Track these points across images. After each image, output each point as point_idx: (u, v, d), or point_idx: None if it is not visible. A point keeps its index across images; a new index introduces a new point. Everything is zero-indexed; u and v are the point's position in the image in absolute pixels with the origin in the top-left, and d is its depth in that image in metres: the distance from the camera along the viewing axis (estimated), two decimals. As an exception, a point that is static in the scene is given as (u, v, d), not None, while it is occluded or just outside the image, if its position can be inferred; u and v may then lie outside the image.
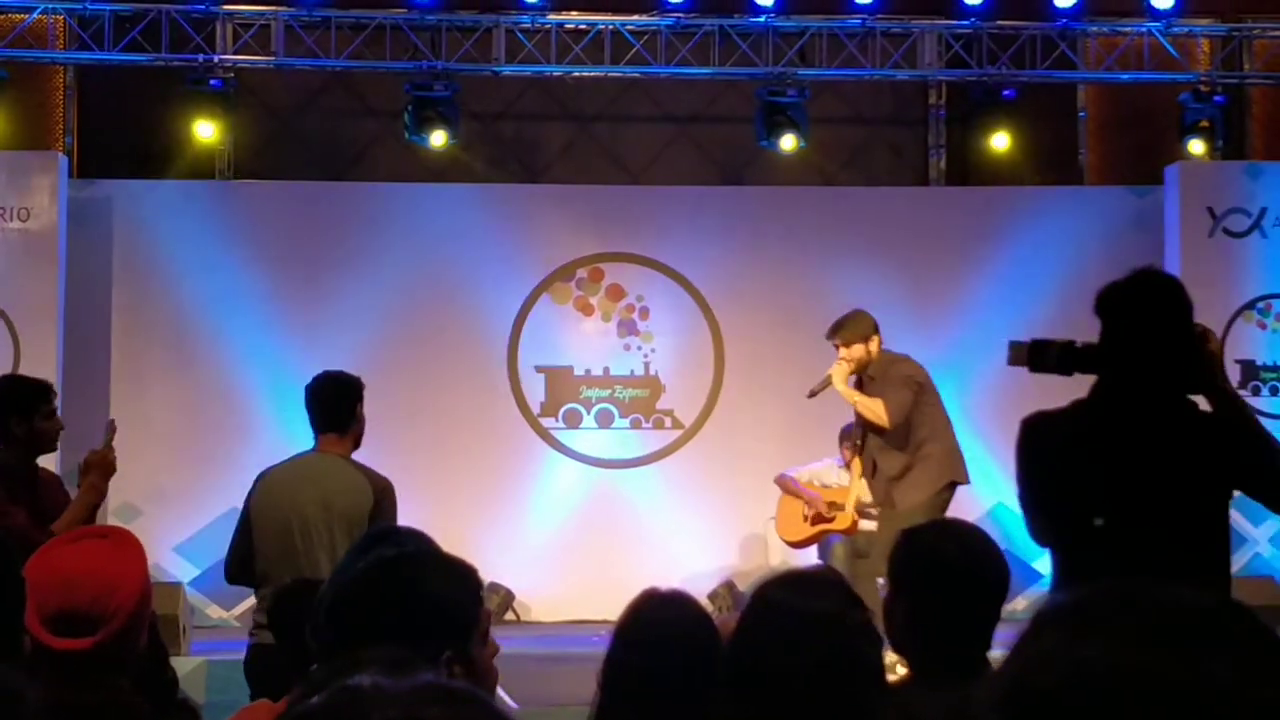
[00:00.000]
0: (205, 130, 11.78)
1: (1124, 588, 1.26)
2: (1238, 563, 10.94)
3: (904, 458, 8.56)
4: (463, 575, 3.04)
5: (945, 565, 3.43)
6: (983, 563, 3.51)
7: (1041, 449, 4.16)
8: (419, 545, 3.24)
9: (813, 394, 8.82)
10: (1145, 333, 4.11)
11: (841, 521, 9.56)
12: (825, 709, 2.76)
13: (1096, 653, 1.20)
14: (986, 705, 1.24)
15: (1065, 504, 4.07)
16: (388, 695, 1.28)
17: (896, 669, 3.32)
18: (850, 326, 8.62)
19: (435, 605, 2.95)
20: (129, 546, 3.10)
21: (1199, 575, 3.84)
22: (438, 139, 11.86)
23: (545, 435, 12.22)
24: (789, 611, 2.85)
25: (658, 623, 3.18)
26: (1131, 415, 4.11)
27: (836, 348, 8.61)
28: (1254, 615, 1.26)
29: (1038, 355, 4.28)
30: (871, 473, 8.63)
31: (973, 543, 3.60)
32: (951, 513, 8.67)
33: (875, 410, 8.52)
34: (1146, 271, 4.25)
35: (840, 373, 8.56)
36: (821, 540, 9.91)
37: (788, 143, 11.94)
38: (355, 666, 1.40)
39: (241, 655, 6.06)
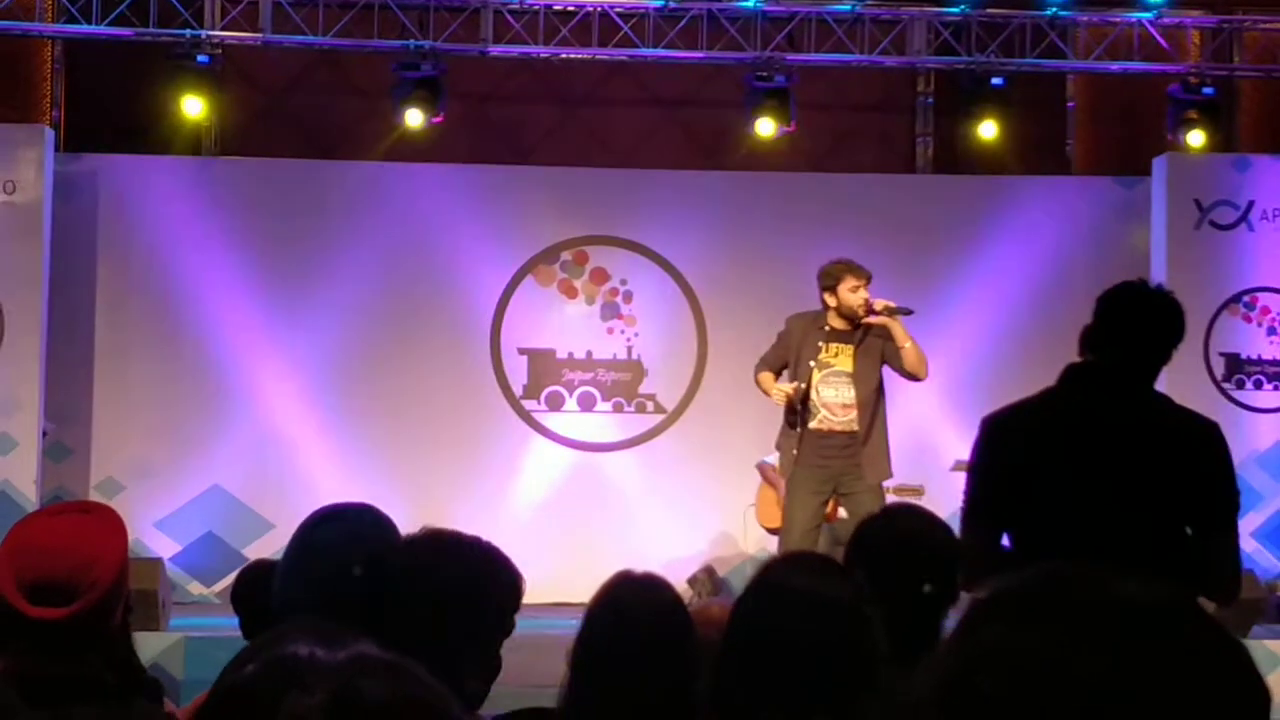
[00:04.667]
0: (193, 106, 11.74)
1: (1063, 576, 1.23)
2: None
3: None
4: (501, 564, 3.06)
5: (889, 551, 3.54)
6: (929, 544, 3.62)
7: (1006, 445, 4.14)
8: (376, 520, 3.24)
9: (895, 312, 8.61)
10: (1139, 349, 4.12)
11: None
12: (822, 690, 2.77)
13: (1035, 648, 1.17)
14: (924, 699, 1.21)
15: (1028, 504, 4.04)
16: (322, 665, 1.27)
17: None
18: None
19: (479, 593, 2.97)
20: (110, 521, 3.11)
21: (1168, 575, 3.83)
22: (424, 118, 11.83)
23: (527, 417, 12.22)
24: (794, 593, 2.86)
25: (629, 605, 3.18)
26: (1104, 410, 4.10)
27: (868, 284, 8.59)
28: (1197, 606, 1.23)
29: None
30: (865, 438, 8.56)
31: (918, 525, 3.71)
32: (932, 505, 8.68)
33: (923, 355, 8.57)
34: (1155, 290, 4.24)
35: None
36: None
37: (775, 128, 11.93)
38: (289, 637, 1.39)
39: (221, 631, 6.05)
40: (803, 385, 8.51)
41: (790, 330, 8.76)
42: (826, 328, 8.61)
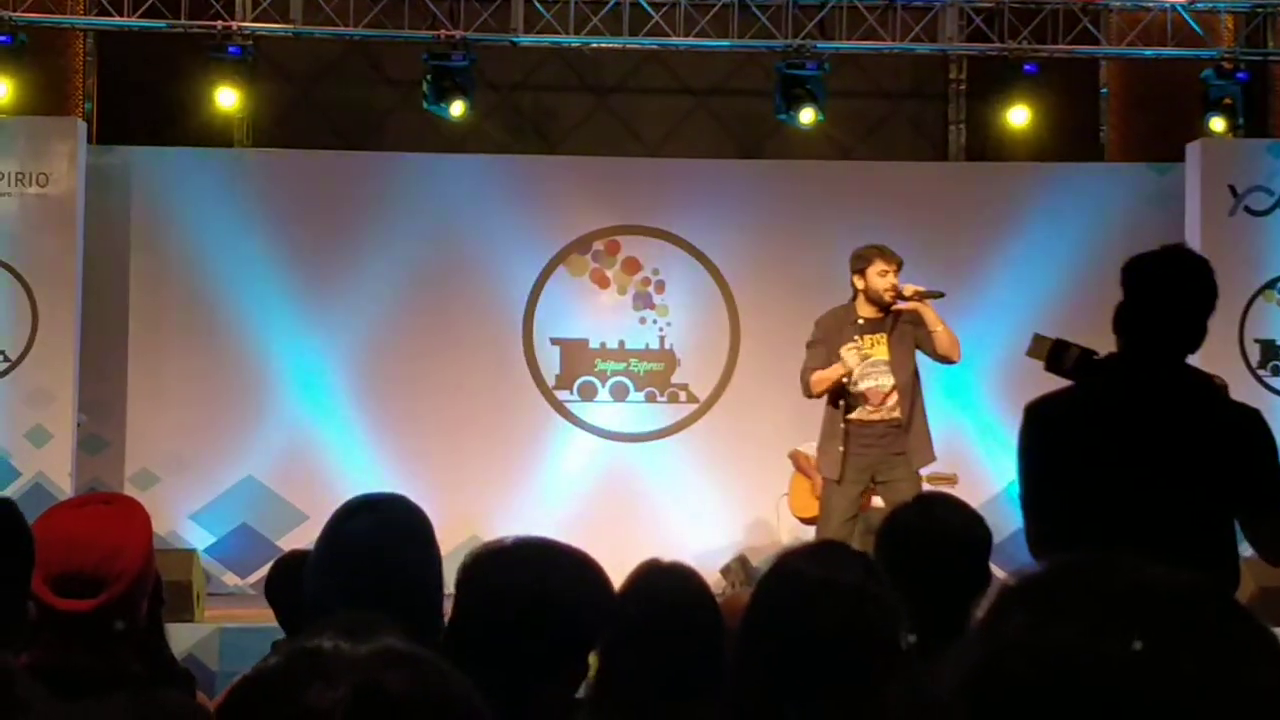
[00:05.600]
0: (227, 98, 11.74)
1: (1090, 564, 1.22)
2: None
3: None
4: (596, 574, 3.03)
5: (920, 541, 3.54)
6: (956, 534, 3.61)
7: (1047, 436, 4.12)
8: (408, 511, 3.24)
9: (925, 296, 8.64)
10: (1169, 309, 4.09)
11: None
12: (839, 677, 2.76)
13: (1062, 638, 1.16)
14: (951, 688, 1.20)
15: (1071, 494, 4.03)
16: (346, 658, 1.27)
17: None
18: None
19: (575, 607, 2.95)
20: (134, 513, 3.12)
21: (1207, 562, 3.82)
22: (455, 109, 11.82)
23: (560, 408, 12.22)
24: (808, 580, 2.86)
25: (657, 594, 3.18)
26: (1146, 397, 4.07)
27: (899, 269, 8.60)
28: (1227, 594, 1.22)
29: (1056, 356, 4.24)
30: (909, 424, 8.60)
31: (945, 514, 3.70)
32: (965, 493, 8.68)
33: (956, 338, 8.61)
34: (1179, 248, 4.22)
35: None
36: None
37: (806, 116, 11.88)
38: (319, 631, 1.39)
39: (256, 623, 6.08)
40: (853, 364, 8.53)
41: (822, 331, 8.79)
42: (858, 320, 8.65)
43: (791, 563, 2.95)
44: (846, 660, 2.77)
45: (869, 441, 8.60)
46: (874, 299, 8.61)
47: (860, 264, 8.67)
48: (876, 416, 8.61)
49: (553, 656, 2.89)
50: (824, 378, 8.61)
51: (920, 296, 8.59)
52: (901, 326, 8.63)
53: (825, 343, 8.70)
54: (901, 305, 8.60)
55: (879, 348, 8.61)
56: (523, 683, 2.81)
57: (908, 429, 8.59)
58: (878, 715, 2.65)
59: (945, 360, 8.72)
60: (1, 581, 2.81)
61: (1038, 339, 4.38)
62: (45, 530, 2.95)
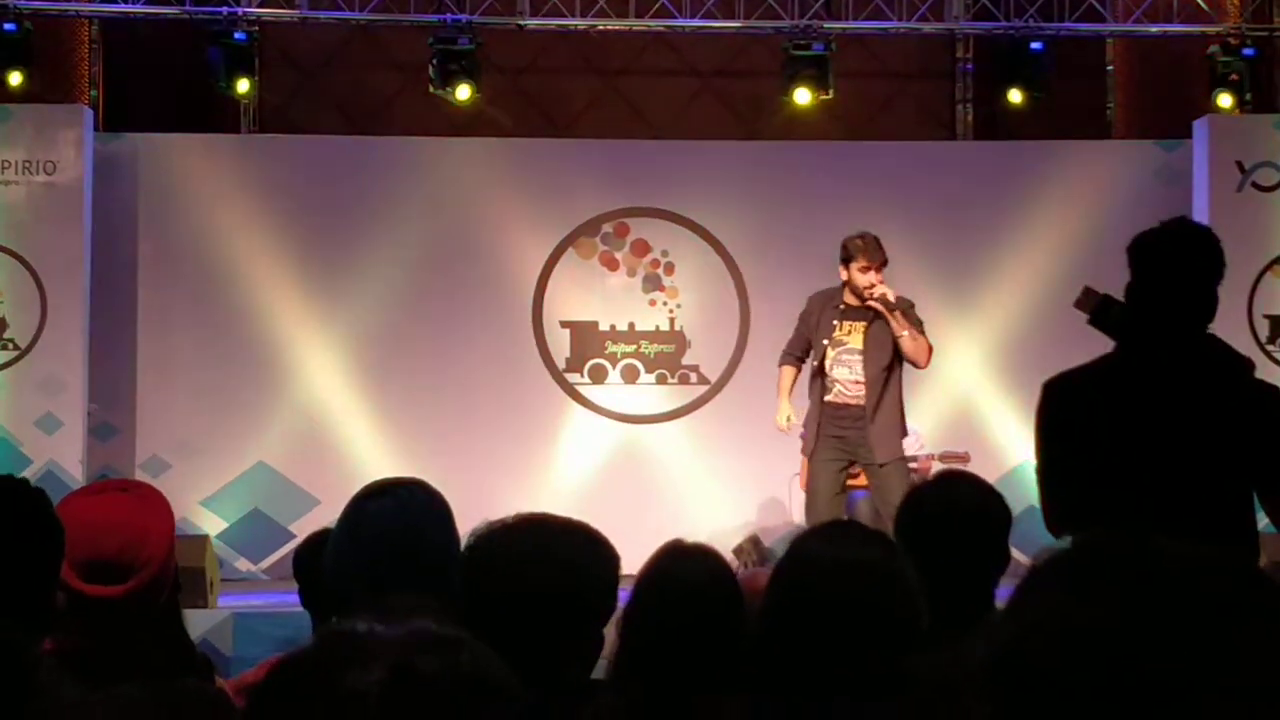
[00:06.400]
0: (234, 84, 11.75)
1: (1117, 543, 1.22)
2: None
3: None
4: (603, 548, 3.06)
5: (941, 519, 3.54)
6: (978, 515, 3.61)
7: (1065, 412, 4.13)
8: (427, 496, 3.25)
9: (891, 307, 8.79)
10: (1179, 282, 4.09)
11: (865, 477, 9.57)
12: (864, 656, 2.77)
13: (1090, 617, 1.17)
14: (981, 667, 1.21)
15: (1091, 470, 4.03)
16: (380, 641, 1.28)
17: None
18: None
19: (583, 576, 2.96)
20: (155, 499, 3.14)
21: (1227, 538, 3.82)
22: (462, 93, 11.82)
23: (570, 390, 12.23)
24: (830, 560, 2.87)
25: (678, 575, 3.18)
26: (1163, 371, 4.07)
27: (879, 268, 8.72)
28: (1255, 569, 1.22)
29: (1102, 311, 4.23)
30: (873, 416, 8.74)
31: (967, 493, 3.70)
32: (976, 469, 8.71)
33: (923, 346, 8.75)
34: (1181, 221, 4.23)
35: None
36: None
37: (813, 96, 11.87)
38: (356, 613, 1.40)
39: (269, 608, 6.09)
40: (788, 421, 9.09)
41: (810, 309, 9.13)
42: (840, 305, 8.95)
43: (812, 543, 2.96)
44: (870, 640, 2.78)
45: (844, 424, 8.89)
46: (854, 291, 8.87)
47: (845, 256, 8.91)
48: (846, 401, 8.89)
49: (564, 629, 2.91)
50: (779, 388, 9.29)
51: (887, 305, 8.79)
52: (883, 320, 8.79)
53: (805, 323, 9.07)
54: (871, 303, 8.82)
55: (854, 336, 8.87)
56: (538, 659, 2.82)
57: (872, 419, 8.74)
58: (902, 693, 2.66)
59: (912, 364, 8.96)
60: (31, 569, 2.82)
61: (1088, 291, 4.37)
62: (67, 517, 2.96)
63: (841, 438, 8.85)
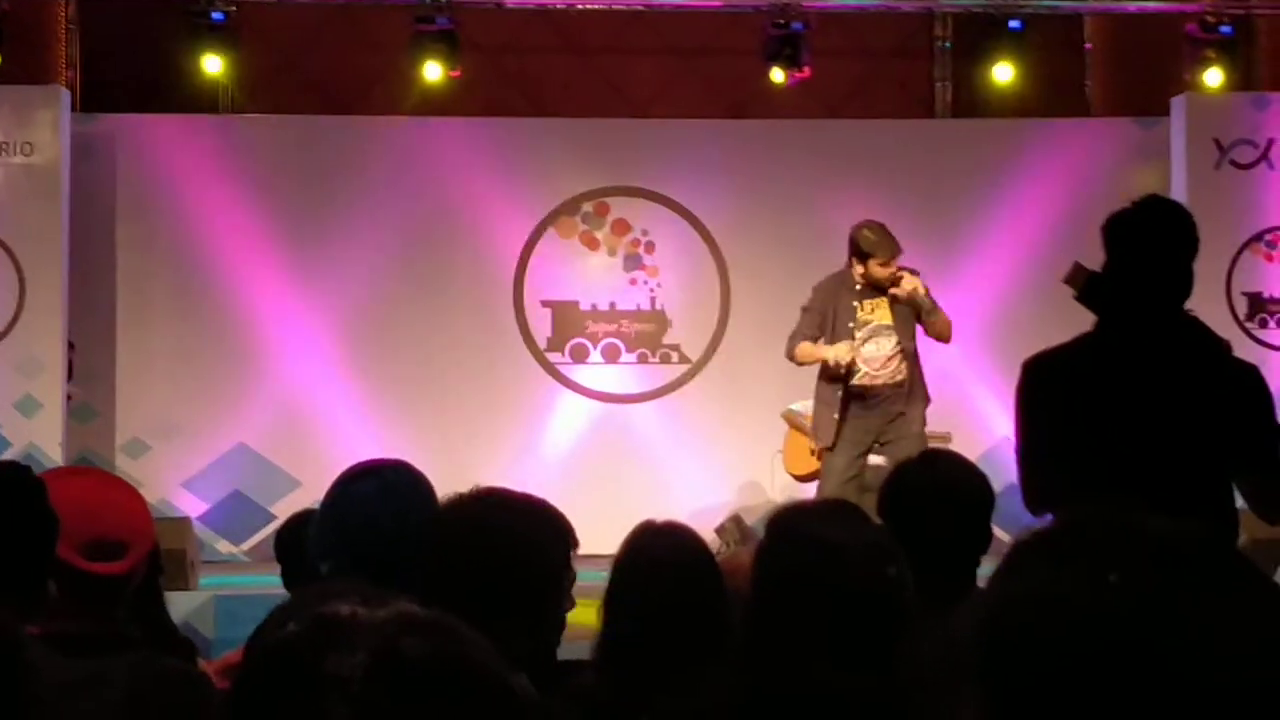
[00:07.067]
0: (212, 64, 11.69)
1: (1098, 518, 1.25)
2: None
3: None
4: (554, 520, 3.06)
5: (924, 499, 3.55)
6: (961, 491, 3.63)
7: (1045, 391, 4.14)
8: (411, 477, 3.26)
9: (917, 299, 8.71)
10: (1153, 260, 4.10)
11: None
12: (856, 637, 2.77)
13: (1071, 588, 1.19)
14: (965, 639, 1.23)
15: (1071, 449, 4.04)
16: (365, 624, 1.27)
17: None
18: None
19: (530, 549, 2.96)
20: (119, 480, 3.18)
21: (1206, 516, 3.84)
22: (441, 72, 11.78)
23: (551, 370, 12.22)
24: (822, 541, 2.87)
25: (654, 555, 3.19)
26: (1141, 351, 4.09)
27: (892, 262, 8.65)
28: (1229, 545, 1.25)
29: (1091, 288, 4.23)
30: (911, 387, 8.69)
31: (949, 472, 3.72)
32: (958, 447, 8.73)
33: (948, 321, 8.73)
34: (1154, 199, 4.24)
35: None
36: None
37: (792, 75, 11.86)
38: (327, 595, 1.40)
39: (250, 589, 6.09)
40: (852, 350, 8.62)
41: (820, 298, 8.84)
42: (856, 285, 8.73)
43: (803, 524, 2.96)
44: (862, 621, 2.78)
45: (871, 405, 8.70)
46: (872, 284, 8.73)
47: (859, 252, 8.73)
48: (880, 381, 8.69)
49: (517, 603, 2.90)
50: (810, 354, 8.73)
51: (917, 304, 8.68)
52: None
53: (820, 310, 8.77)
54: (896, 293, 8.67)
55: (880, 311, 8.69)
56: (493, 635, 2.82)
57: (910, 390, 8.67)
58: (887, 672, 2.67)
59: (939, 339, 8.87)
60: (26, 557, 2.83)
61: (1077, 267, 4.37)
62: (59, 499, 2.97)
63: (864, 419, 8.68)
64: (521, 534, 2.96)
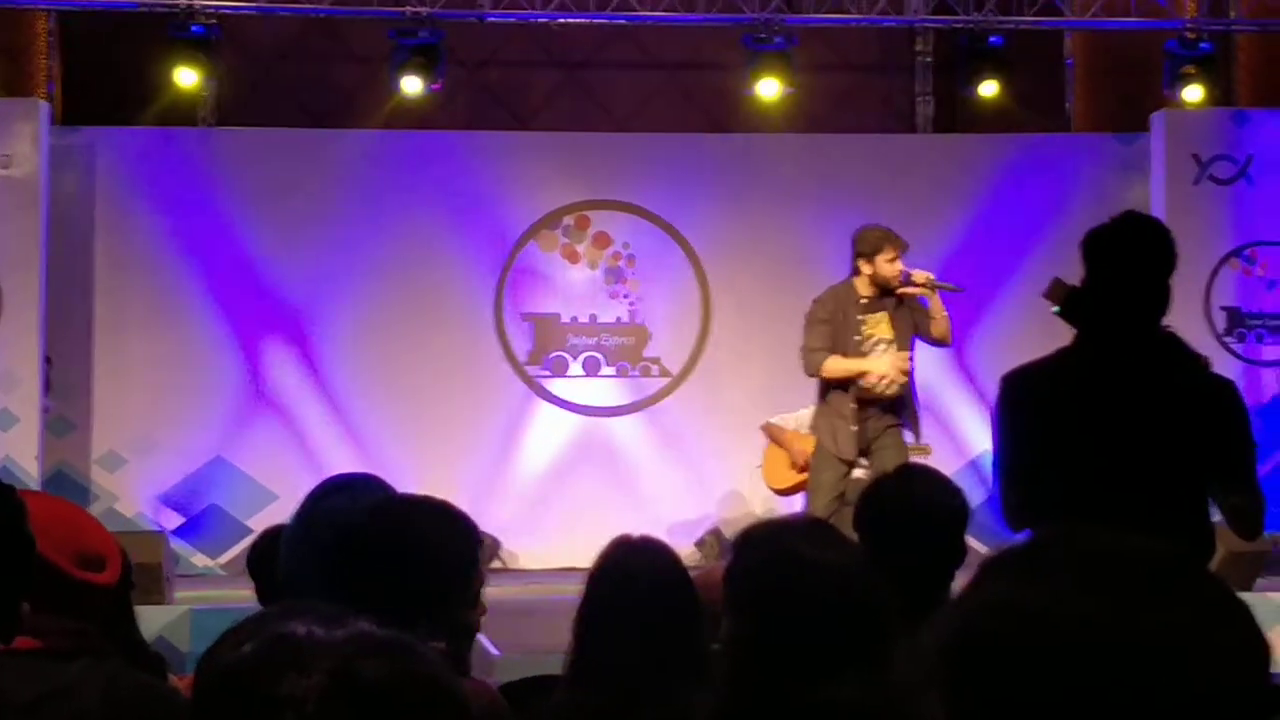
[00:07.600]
0: (187, 77, 11.67)
1: (1073, 535, 1.26)
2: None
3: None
4: (457, 522, 3.08)
5: (900, 514, 3.56)
6: (935, 507, 3.64)
7: (1023, 406, 4.14)
8: (383, 491, 3.26)
9: (937, 287, 8.66)
10: (1131, 276, 4.11)
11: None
12: (833, 655, 2.76)
13: (1042, 601, 1.20)
14: (931, 651, 1.24)
15: (1049, 463, 4.04)
16: (321, 645, 1.26)
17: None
18: None
19: (431, 551, 2.98)
20: (63, 500, 3.19)
21: (1183, 530, 3.84)
22: (423, 86, 11.77)
23: (531, 383, 12.21)
24: (798, 559, 2.85)
25: (628, 570, 3.19)
26: (1119, 366, 4.09)
27: (900, 257, 8.64)
28: (1202, 566, 1.27)
29: (1071, 304, 4.23)
30: (909, 399, 8.67)
31: (925, 488, 3.72)
32: (936, 464, 8.72)
33: (948, 321, 8.68)
34: (1131, 215, 4.25)
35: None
36: (808, 488, 9.91)
37: (775, 90, 11.88)
38: (285, 615, 1.38)
39: (226, 604, 6.06)
40: (884, 370, 8.56)
41: (830, 311, 8.68)
42: (860, 300, 8.64)
43: (772, 540, 2.95)
44: (835, 636, 2.76)
45: (866, 416, 8.64)
46: (880, 284, 8.61)
47: (867, 249, 8.63)
48: (876, 394, 8.62)
49: (425, 605, 2.91)
50: (847, 368, 8.54)
51: (933, 287, 8.61)
52: (904, 307, 8.65)
53: (831, 322, 8.64)
54: (910, 290, 8.62)
55: (882, 326, 8.63)
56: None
57: (904, 404, 8.65)
58: (867, 684, 2.66)
59: (940, 344, 8.83)
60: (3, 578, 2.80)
61: (1057, 283, 4.37)
62: (38, 515, 2.95)
63: (861, 432, 8.59)
64: (418, 530, 3.01)
